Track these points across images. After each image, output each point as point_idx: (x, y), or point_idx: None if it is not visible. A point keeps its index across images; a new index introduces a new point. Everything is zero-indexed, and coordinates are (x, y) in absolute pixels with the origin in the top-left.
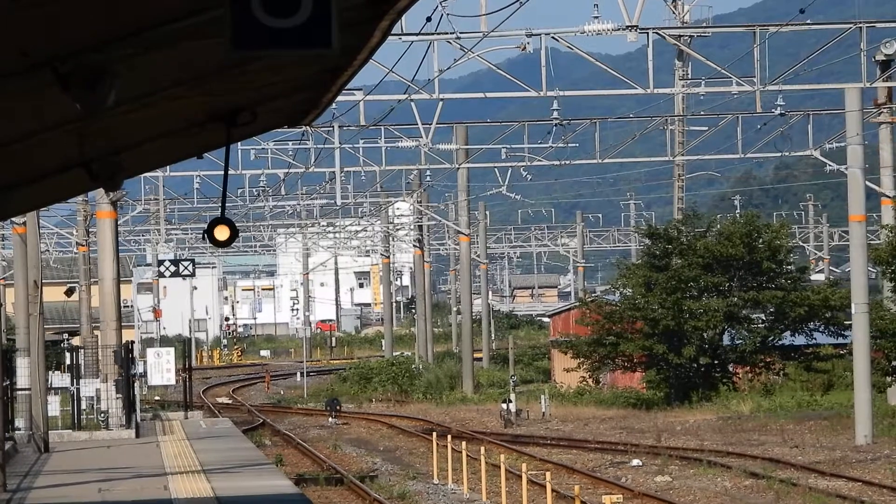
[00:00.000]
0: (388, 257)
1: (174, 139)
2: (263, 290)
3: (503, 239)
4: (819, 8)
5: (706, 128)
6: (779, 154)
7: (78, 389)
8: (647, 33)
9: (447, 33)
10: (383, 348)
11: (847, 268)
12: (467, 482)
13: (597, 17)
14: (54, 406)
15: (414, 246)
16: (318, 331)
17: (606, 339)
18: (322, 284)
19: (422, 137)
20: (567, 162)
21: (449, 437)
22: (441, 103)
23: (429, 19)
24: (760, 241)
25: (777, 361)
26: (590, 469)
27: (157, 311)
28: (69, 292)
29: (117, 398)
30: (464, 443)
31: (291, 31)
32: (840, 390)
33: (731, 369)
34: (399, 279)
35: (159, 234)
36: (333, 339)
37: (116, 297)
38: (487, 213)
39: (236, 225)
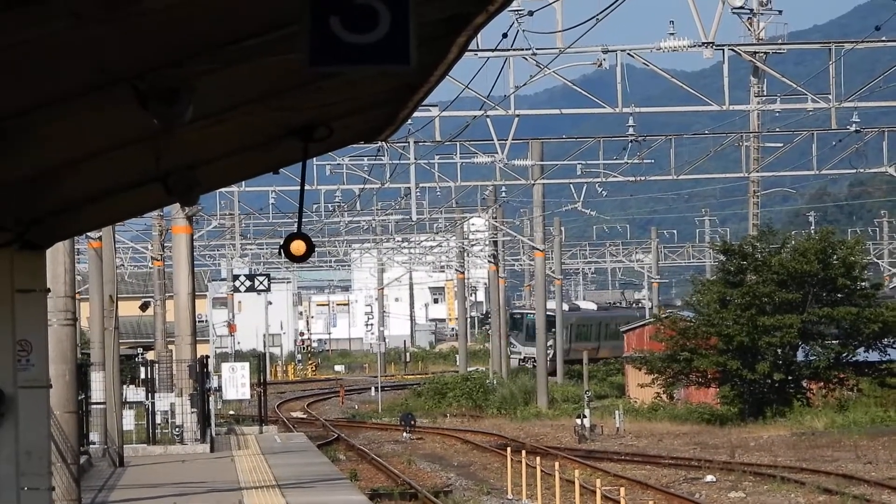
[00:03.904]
0: (463, 273)
1: (250, 154)
2: (338, 305)
3: (578, 255)
4: (895, 25)
5: (781, 144)
6: (853, 171)
7: (153, 404)
8: (723, 50)
9: (523, 49)
10: (457, 363)
11: None
12: (541, 497)
13: (672, 34)
14: (129, 420)
15: (489, 261)
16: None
17: (680, 355)
18: (397, 300)
19: (497, 153)
20: (642, 178)
21: (523, 452)
22: (516, 119)
23: (505, 35)
24: (835, 257)
25: (851, 377)
26: (664, 485)
27: (231, 326)
28: (144, 307)
29: (192, 412)
30: (538, 458)
31: (369, 47)
32: None
33: (804, 385)
34: (474, 295)
35: (234, 249)
36: (408, 354)
37: (191, 311)
38: (562, 228)
39: (312, 240)
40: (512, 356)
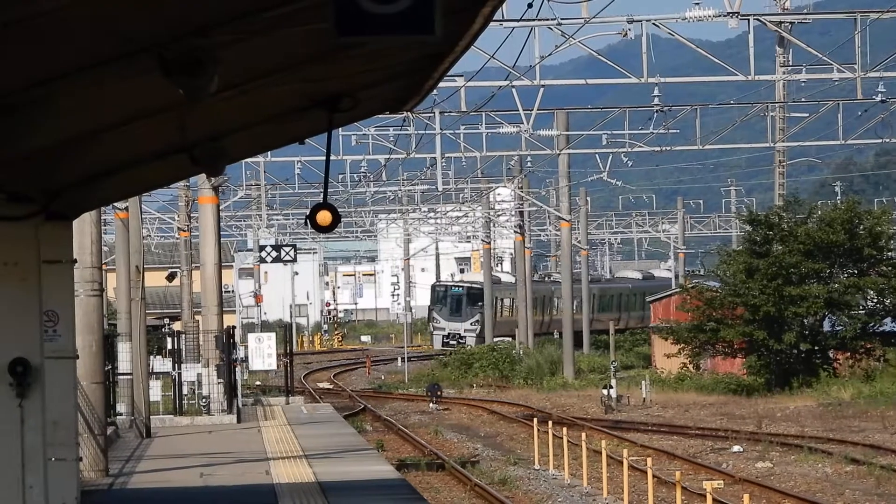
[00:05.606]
0: (489, 243)
1: (276, 125)
2: (364, 275)
3: (604, 225)
4: None
5: (807, 114)
6: (879, 140)
7: (179, 374)
8: (748, 20)
9: (548, 19)
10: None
11: None
12: (568, 468)
13: (698, 4)
14: (156, 391)
15: (515, 232)
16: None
17: (707, 325)
18: (423, 270)
19: (523, 123)
20: (668, 148)
21: (550, 422)
22: (542, 89)
23: (530, 5)
24: (861, 227)
25: (878, 347)
26: (690, 455)
27: (258, 297)
28: (170, 277)
29: (218, 383)
30: (564, 429)
31: (394, 17)
32: None
33: (831, 355)
34: (500, 265)
35: (261, 220)
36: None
37: (218, 282)
38: (588, 198)
39: (338, 210)
40: (435, 332)
